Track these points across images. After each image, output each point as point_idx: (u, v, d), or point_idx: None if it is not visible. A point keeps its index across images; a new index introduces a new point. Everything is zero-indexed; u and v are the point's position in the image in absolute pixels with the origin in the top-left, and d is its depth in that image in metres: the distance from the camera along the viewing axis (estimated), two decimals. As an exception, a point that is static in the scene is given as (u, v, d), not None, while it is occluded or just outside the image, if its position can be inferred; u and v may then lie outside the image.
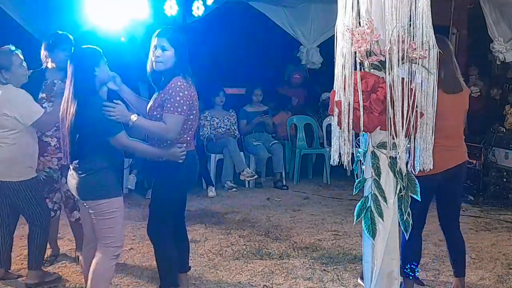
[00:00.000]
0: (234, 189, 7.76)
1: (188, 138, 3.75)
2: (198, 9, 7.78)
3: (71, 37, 4.46)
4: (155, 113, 3.67)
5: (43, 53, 4.42)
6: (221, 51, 10.02)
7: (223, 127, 8.12)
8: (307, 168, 8.85)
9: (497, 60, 8.71)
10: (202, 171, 7.80)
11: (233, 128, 8.18)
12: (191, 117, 3.71)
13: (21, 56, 4.13)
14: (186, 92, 3.61)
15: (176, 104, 3.57)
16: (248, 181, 7.92)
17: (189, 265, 4.16)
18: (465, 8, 8.99)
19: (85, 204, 3.57)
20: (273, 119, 8.62)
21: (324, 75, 9.01)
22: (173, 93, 3.58)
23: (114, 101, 3.52)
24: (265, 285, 4.38)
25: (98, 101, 3.46)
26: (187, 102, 3.62)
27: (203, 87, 8.80)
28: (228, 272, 4.64)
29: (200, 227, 5.94)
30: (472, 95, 8.55)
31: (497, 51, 8.46)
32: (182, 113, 3.60)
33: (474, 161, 7.10)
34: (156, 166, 3.74)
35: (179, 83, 3.61)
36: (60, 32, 4.49)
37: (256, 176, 7.87)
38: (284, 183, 8.07)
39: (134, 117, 3.52)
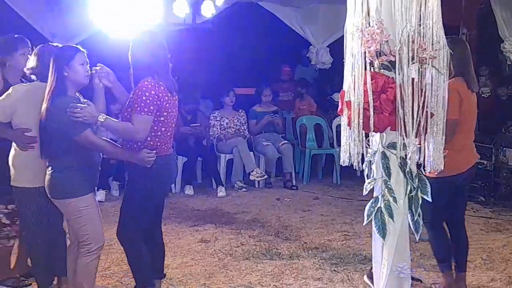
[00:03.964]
0: (244, 189, 7.77)
1: (159, 143, 3.66)
2: (207, 10, 7.78)
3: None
4: (125, 114, 3.66)
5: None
6: (230, 51, 10.05)
7: (233, 127, 8.13)
8: (317, 168, 8.85)
9: (507, 60, 8.67)
10: (212, 171, 7.84)
11: (242, 128, 8.19)
12: (162, 119, 3.62)
13: None
14: (153, 92, 3.54)
15: (143, 104, 3.51)
16: (258, 181, 7.91)
17: (164, 272, 4.09)
18: (475, 8, 8.93)
19: (55, 203, 3.60)
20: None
21: (334, 75, 9.04)
22: (140, 93, 3.53)
23: (83, 101, 3.53)
24: (275, 285, 4.39)
25: (65, 101, 3.44)
26: (154, 102, 3.54)
27: (213, 87, 8.89)
28: (238, 272, 4.65)
29: (210, 227, 5.95)
30: (482, 95, 8.58)
31: (507, 51, 8.40)
32: (149, 113, 3.53)
33: (485, 162, 7.06)
34: (127, 168, 3.75)
35: (146, 83, 3.56)
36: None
37: (265, 176, 7.87)
38: (294, 183, 8.06)
39: (101, 118, 3.49)
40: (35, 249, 3.95)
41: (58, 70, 3.49)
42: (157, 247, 3.99)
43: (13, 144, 3.83)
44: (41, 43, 4.08)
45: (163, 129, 3.65)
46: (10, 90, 3.78)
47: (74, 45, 3.67)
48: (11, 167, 3.83)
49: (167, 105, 3.63)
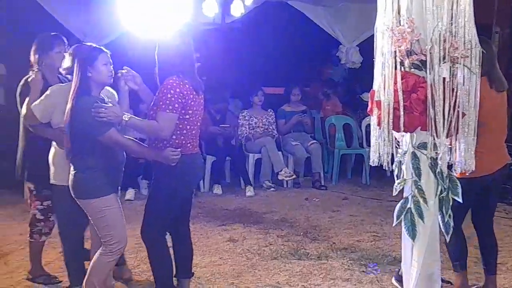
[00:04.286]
0: (272, 189, 7.77)
1: (184, 142, 3.67)
2: (237, 9, 7.79)
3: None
4: (151, 112, 3.67)
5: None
6: (260, 50, 10.04)
7: (262, 127, 8.13)
8: (346, 169, 8.80)
9: (542, 59, 8.51)
10: (240, 171, 7.85)
11: (271, 127, 8.19)
12: (187, 117, 3.63)
13: None
14: (178, 90, 3.56)
15: (168, 102, 3.53)
16: (286, 181, 7.91)
17: (193, 271, 4.10)
18: (508, 6, 8.78)
19: (78, 202, 3.62)
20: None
21: (364, 74, 8.97)
22: (165, 91, 3.55)
23: (107, 101, 3.55)
24: (303, 286, 4.38)
25: (89, 101, 3.46)
26: (179, 100, 3.56)
27: (242, 87, 8.90)
28: (266, 272, 4.64)
29: (239, 226, 5.97)
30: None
31: (541, 49, 8.26)
32: (174, 111, 3.55)
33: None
34: (153, 167, 3.75)
35: (171, 81, 3.58)
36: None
37: (294, 176, 7.86)
38: (323, 183, 8.03)
39: (126, 117, 3.52)
40: (70, 247, 4.02)
41: (82, 71, 3.52)
42: (185, 246, 4.01)
43: (53, 143, 3.92)
44: (73, 43, 4.13)
45: (188, 127, 3.66)
46: (48, 91, 3.86)
47: (98, 46, 3.70)
48: (51, 165, 3.92)
49: (192, 103, 3.65)
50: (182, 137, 3.66)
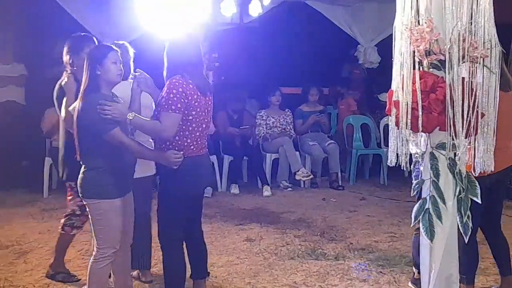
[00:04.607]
0: (289, 189, 7.77)
1: (186, 143, 3.61)
2: (255, 9, 7.80)
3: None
4: (155, 112, 3.67)
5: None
6: (277, 50, 10.05)
7: (279, 127, 8.13)
8: (363, 169, 8.77)
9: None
10: (257, 170, 7.86)
11: (288, 127, 8.18)
12: (190, 117, 3.58)
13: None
14: (180, 90, 3.52)
15: (170, 102, 3.50)
16: (304, 181, 7.90)
17: (208, 271, 4.08)
18: (529, 5, 8.70)
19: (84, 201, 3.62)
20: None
21: (381, 74, 8.93)
22: (168, 91, 3.53)
23: (114, 98, 3.55)
24: (320, 286, 4.37)
25: (96, 99, 3.46)
26: (182, 100, 3.51)
27: (259, 87, 8.91)
28: (283, 272, 4.64)
29: (256, 226, 5.97)
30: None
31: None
32: (177, 111, 3.51)
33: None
34: (158, 170, 3.76)
35: (173, 81, 3.55)
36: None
37: (311, 176, 7.84)
38: (340, 184, 8.01)
39: (130, 116, 3.49)
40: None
41: (91, 69, 3.52)
42: (198, 247, 3.98)
43: None
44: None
45: (190, 128, 3.61)
46: None
47: (108, 44, 3.72)
48: None
49: (196, 103, 3.59)
50: (185, 138, 3.61)
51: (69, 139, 4.14)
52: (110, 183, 3.51)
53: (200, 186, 3.81)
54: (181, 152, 3.57)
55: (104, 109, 3.41)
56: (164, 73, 3.69)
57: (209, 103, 3.76)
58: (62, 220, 4.38)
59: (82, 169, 3.56)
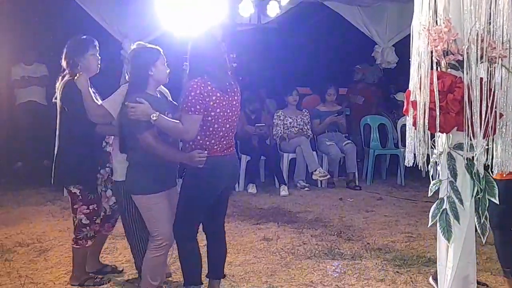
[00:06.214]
0: (306, 189, 7.78)
1: (208, 143, 3.65)
2: (272, 10, 7.83)
3: None
4: (178, 115, 3.72)
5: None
6: (295, 50, 10.06)
7: (296, 127, 8.14)
8: (380, 169, 8.75)
9: None
10: (275, 170, 7.88)
11: (306, 127, 8.19)
12: (209, 118, 3.61)
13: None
14: (198, 91, 3.55)
15: (189, 104, 3.55)
16: (321, 181, 7.92)
17: (224, 273, 4.10)
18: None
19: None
20: None
21: (399, 74, 8.91)
22: (187, 93, 3.58)
23: (137, 99, 3.60)
24: (337, 286, 4.38)
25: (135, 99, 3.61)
26: (200, 101, 3.55)
27: (277, 87, 8.93)
28: (300, 271, 4.66)
29: (273, 225, 5.99)
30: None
31: None
32: (197, 112, 3.56)
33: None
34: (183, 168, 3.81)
35: (192, 83, 3.59)
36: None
37: (328, 176, 7.86)
38: (357, 184, 8.01)
39: (154, 116, 3.55)
40: (136, 243, 4.06)
41: (144, 69, 3.72)
42: (217, 247, 4.01)
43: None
44: (112, 43, 4.22)
45: (210, 128, 3.64)
46: (120, 89, 3.93)
47: (156, 47, 3.85)
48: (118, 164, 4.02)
49: (215, 104, 3.61)
50: (207, 138, 3.65)
51: (63, 141, 4.19)
52: (150, 178, 3.70)
53: (218, 187, 3.81)
54: (205, 152, 3.64)
55: (130, 110, 3.54)
56: (187, 74, 3.75)
57: (234, 102, 3.77)
58: (74, 235, 4.27)
59: (127, 165, 3.75)
